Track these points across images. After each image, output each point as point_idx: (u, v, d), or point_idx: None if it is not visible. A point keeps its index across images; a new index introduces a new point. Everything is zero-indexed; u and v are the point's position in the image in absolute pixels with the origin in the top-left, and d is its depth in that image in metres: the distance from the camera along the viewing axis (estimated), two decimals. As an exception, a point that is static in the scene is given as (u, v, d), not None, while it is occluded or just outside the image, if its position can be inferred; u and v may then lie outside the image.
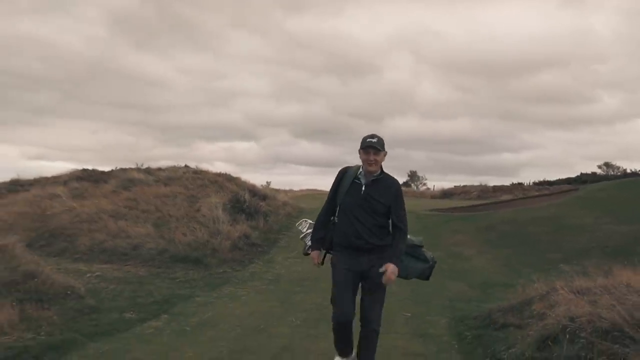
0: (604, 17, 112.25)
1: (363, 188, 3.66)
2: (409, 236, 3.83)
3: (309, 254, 3.95)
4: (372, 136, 3.68)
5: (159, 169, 17.25)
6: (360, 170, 3.74)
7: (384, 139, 3.69)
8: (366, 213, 3.62)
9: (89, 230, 11.38)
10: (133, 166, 18.14)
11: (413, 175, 58.91)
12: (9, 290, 6.25)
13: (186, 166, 17.82)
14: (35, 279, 6.71)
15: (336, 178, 3.86)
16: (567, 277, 5.62)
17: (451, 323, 6.20)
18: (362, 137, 3.71)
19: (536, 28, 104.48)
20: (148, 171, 16.90)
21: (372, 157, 3.63)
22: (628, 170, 38.25)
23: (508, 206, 17.05)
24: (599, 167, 43.98)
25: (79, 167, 18.64)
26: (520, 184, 41.90)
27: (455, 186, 40.14)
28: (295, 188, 32.34)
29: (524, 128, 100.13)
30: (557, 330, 4.12)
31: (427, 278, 4.01)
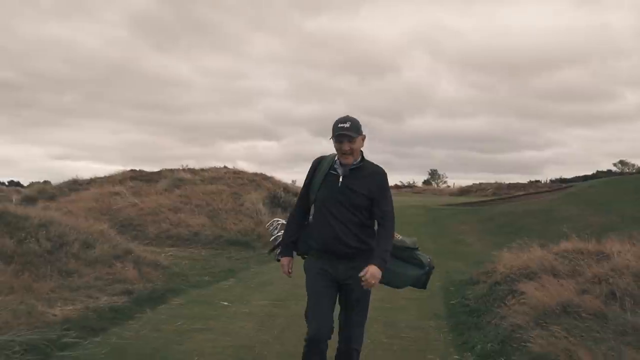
0: (621, 14, 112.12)
1: (340, 179, 3.09)
2: (401, 237, 3.35)
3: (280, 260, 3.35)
4: (344, 120, 3.07)
5: (202, 170, 19.62)
6: (337, 159, 3.15)
7: (359, 120, 3.12)
8: (345, 209, 3.06)
9: (153, 221, 13.78)
10: (178, 167, 20.60)
11: (433, 174, 60.75)
12: (117, 261, 8.66)
13: (225, 167, 20.23)
14: (132, 254, 9.09)
15: (309, 170, 3.28)
16: (525, 247, 7.69)
17: (443, 284, 8.40)
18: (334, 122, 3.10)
19: (554, 25, 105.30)
20: (193, 171, 19.32)
21: (346, 147, 3.04)
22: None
23: (510, 201, 19.08)
24: (614, 164, 45.32)
25: (102, 166, 21.21)
26: (536, 181, 43.53)
27: (472, 184, 42.15)
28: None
29: (545, 125, 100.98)
30: (501, 277, 6.34)
31: (424, 286, 3.45)
